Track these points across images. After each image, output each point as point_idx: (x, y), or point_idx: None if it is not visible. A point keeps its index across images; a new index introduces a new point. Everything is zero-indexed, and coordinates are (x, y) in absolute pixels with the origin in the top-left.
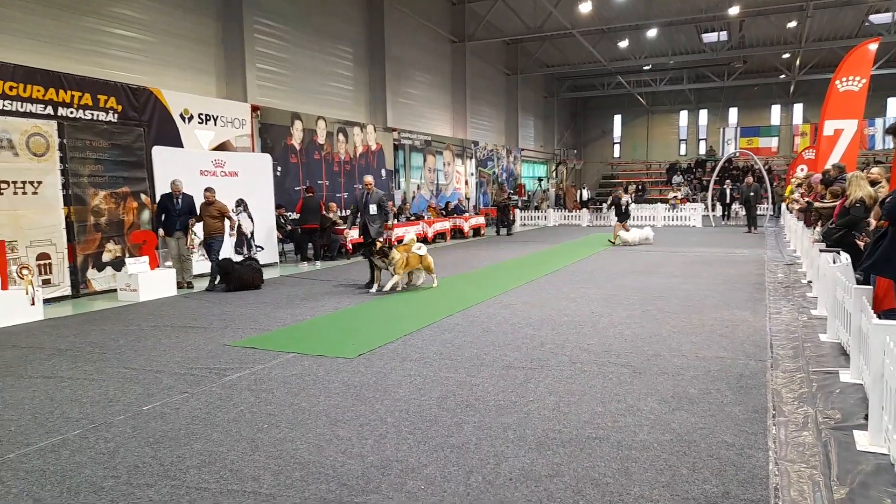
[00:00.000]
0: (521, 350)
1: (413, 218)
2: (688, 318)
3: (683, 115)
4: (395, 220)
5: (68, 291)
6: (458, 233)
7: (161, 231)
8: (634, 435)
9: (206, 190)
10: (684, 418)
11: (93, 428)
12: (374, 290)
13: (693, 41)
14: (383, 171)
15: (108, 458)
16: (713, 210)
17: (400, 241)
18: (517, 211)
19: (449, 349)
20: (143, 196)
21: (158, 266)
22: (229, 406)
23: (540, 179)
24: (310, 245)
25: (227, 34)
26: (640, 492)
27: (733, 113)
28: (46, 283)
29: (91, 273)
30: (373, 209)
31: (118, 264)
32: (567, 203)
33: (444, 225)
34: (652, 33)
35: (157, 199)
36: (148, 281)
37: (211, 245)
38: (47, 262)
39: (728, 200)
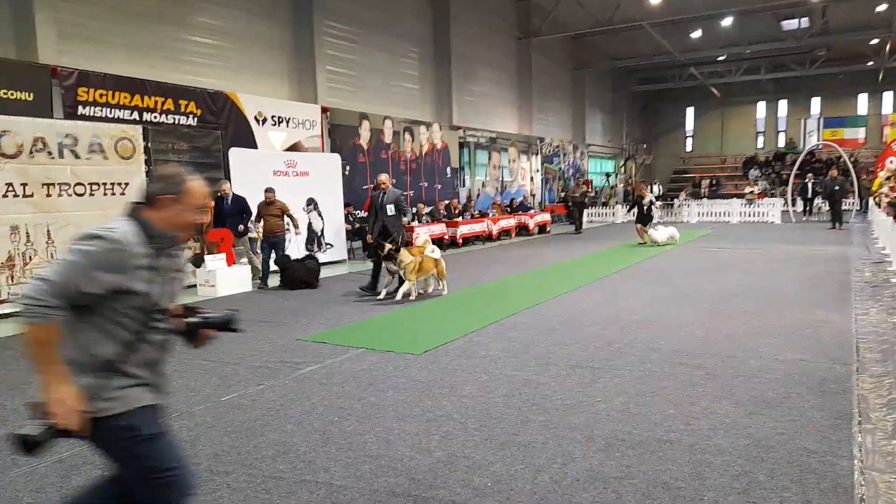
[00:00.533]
0: (587, 349)
1: (477, 215)
2: (765, 319)
3: (761, 106)
4: (462, 217)
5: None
6: (523, 230)
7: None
8: (708, 439)
9: (267, 190)
10: (762, 423)
11: (176, 416)
12: (381, 295)
13: (772, 29)
14: (448, 170)
15: (190, 446)
16: (793, 205)
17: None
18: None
19: (514, 347)
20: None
21: (235, 263)
22: (302, 399)
23: (608, 175)
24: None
25: (298, 38)
26: (714, 497)
27: (815, 103)
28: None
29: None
30: (390, 209)
31: (197, 261)
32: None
33: (509, 222)
34: (727, 22)
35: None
36: (225, 277)
37: (275, 244)
38: None
39: (810, 195)
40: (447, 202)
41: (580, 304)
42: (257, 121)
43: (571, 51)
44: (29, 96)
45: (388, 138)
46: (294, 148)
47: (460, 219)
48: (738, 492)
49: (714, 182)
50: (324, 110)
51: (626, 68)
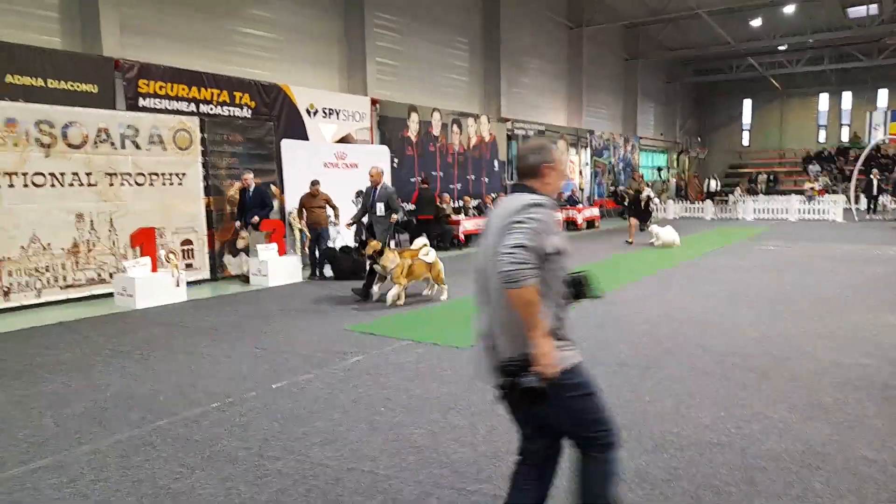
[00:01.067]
0: (636, 348)
1: None
2: (823, 321)
3: (823, 98)
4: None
5: (207, 275)
6: (570, 225)
7: (238, 223)
8: (761, 443)
9: (313, 183)
10: (818, 428)
11: (229, 402)
12: (374, 298)
13: (836, 16)
14: (496, 163)
15: (242, 431)
16: (857, 202)
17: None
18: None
19: None
20: (272, 187)
21: (286, 253)
22: (349, 388)
23: (659, 169)
24: (423, 234)
25: (350, 30)
26: None
27: (882, 95)
28: (189, 266)
29: (227, 258)
30: (380, 208)
31: (249, 250)
32: (689, 194)
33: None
34: (789, 10)
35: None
36: (276, 267)
37: (319, 235)
38: (190, 247)
39: (875, 192)
40: (494, 195)
41: (629, 302)
42: (308, 113)
43: (624, 41)
44: (94, 88)
45: (436, 131)
46: (344, 140)
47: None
48: (792, 498)
49: (772, 178)
50: (373, 102)
51: (680, 59)
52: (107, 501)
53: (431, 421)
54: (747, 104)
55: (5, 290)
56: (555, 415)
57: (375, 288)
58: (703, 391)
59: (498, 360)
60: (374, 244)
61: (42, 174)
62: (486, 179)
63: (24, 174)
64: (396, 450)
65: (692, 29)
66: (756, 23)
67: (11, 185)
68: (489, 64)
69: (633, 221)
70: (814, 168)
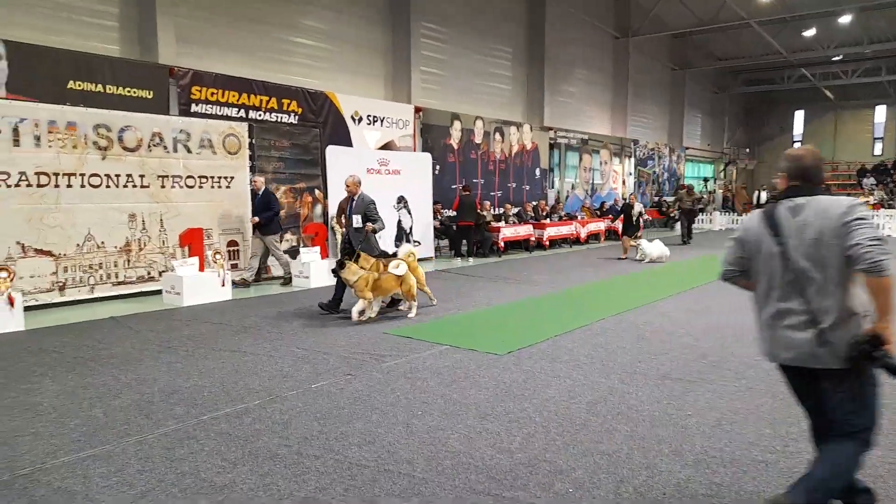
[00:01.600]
0: (679, 360)
1: (565, 218)
2: None
3: (880, 110)
4: (549, 219)
5: (252, 276)
6: (612, 234)
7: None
8: (809, 464)
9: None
10: (872, 451)
11: (270, 400)
12: (355, 316)
13: (895, 26)
14: (537, 171)
15: (283, 429)
16: None
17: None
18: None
19: (601, 353)
20: (316, 192)
21: (328, 257)
22: (387, 391)
23: (706, 180)
24: (464, 241)
25: (395, 39)
26: None
27: None
28: (234, 267)
29: (271, 260)
30: (356, 220)
31: (293, 253)
32: (736, 205)
33: (598, 226)
34: (845, 20)
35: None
36: (318, 270)
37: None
38: (235, 248)
39: None
40: (535, 203)
41: (672, 314)
42: (353, 120)
43: (671, 50)
44: (149, 94)
45: (478, 138)
46: (387, 147)
47: (548, 221)
48: None
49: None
50: (417, 110)
51: (730, 69)
52: (151, 492)
53: (468, 426)
54: (799, 115)
55: (61, 285)
56: (847, 397)
57: (370, 306)
58: (747, 407)
59: (825, 339)
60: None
61: (98, 175)
62: (528, 187)
63: (82, 175)
64: (433, 453)
65: (743, 39)
66: (810, 33)
67: (70, 186)
68: (533, 72)
69: (625, 239)
70: (868, 181)
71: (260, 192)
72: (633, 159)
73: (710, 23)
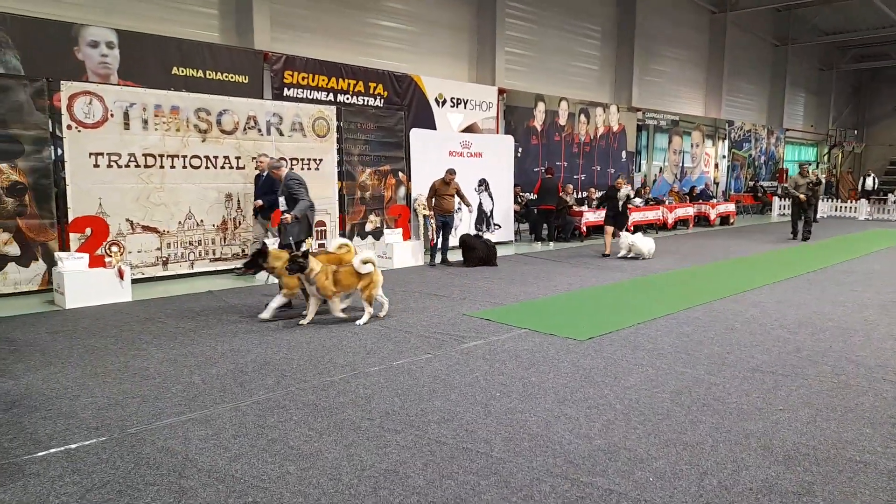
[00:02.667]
0: (770, 353)
1: (652, 202)
2: None
3: None
4: (595, 206)
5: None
6: (702, 220)
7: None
8: None
9: (450, 171)
10: None
11: (353, 375)
12: (306, 321)
13: None
14: (624, 153)
15: (365, 403)
16: None
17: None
18: (775, 199)
19: (686, 343)
20: (400, 174)
21: (410, 238)
22: (466, 371)
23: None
24: (545, 225)
25: (481, 20)
26: None
27: None
28: (321, 247)
29: (356, 240)
30: (282, 203)
31: (377, 234)
32: (840, 192)
33: (687, 211)
34: None
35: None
36: (400, 251)
37: (446, 223)
38: (323, 228)
39: None
40: None
41: (764, 304)
42: (437, 102)
43: (773, 25)
44: (245, 79)
45: (562, 120)
46: (470, 129)
47: (631, 205)
48: None
49: None
50: (500, 92)
51: (838, 44)
52: (244, 455)
53: (546, 410)
54: None
55: (164, 259)
56: None
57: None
58: (845, 405)
59: None
60: (295, 254)
61: (198, 157)
62: (613, 170)
63: (184, 157)
64: (511, 434)
65: (853, 10)
66: None
67: (173, 167)
68: (622, 51)
69: (609, 229)
70: None
71: (264, 174)
72: (727, 141)
73: None
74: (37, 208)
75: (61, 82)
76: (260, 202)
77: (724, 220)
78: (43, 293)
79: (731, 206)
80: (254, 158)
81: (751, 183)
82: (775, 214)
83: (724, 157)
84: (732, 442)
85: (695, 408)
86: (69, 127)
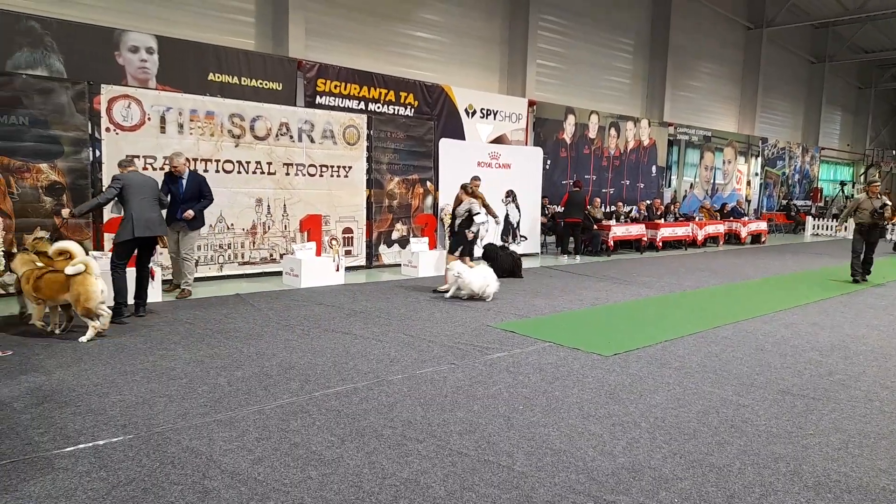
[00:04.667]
0: (801, 376)
1: (682, 218)
2: None
3: None
4: (664, 219)
5: (363, 262)
6: (733, 238)
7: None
8: None
9: (475, 178)
10: None
11: (377, 382)
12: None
13: None
14: (654, 168)
15: (388, 410)
16: None
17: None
18: (808, 218)
19: (714, 363)
20: (428, 183)
21: (436, 247)
22: (489, 382)
23: (843, 184)
24: (571, 238)
25: (513, 32)
26: None
27: None
28: (348, 253)
29: (382, 248)
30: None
31: (404, 242)
32: None
33: (718, 228)
34: None
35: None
36: (426, 260)
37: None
38: (350, 235)
39: None
40: (649, 202)
41: (796, 326)
42: (467, 113)
43: (811, 41)
44: (279, 86)
45: (592, 133)
46: (499, 140)
47: (662, 221)
48: None
49: None
50: (530, 104)
51: (877, 61)
52: (267, 458)
53: (570, 425)
54: None
55: (196, 260)
56: None
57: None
58: (878, 431)
59: None
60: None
61: (231, 161)
62: (642, 185)
63: (217, 161)
64: (533, 449)
65: (893, 28)
66: None
67: (206, 171)
68: (654, 65)
69: (450, 257)
70: None
71: (184, 177)
72: (760, 159)
73: (857, 11)
74: (74, 208)
75: (102, 86)
76: (192, 212)
77: (756, 238)
78: None
79: (763, 225)
80: (172, 161)
81: (784, 201)
82: (808, 234)
83: (756, 174)
84: (761, 465)
85: (722, 429)
86: (108, 129)
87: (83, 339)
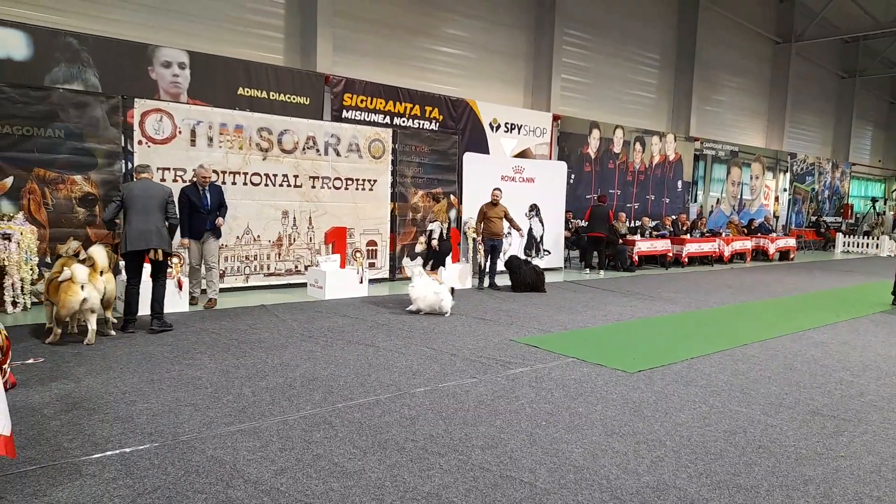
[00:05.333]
0: (832, 396)
1: (708, 234)
2: None
3: None
4: (690, 235)
5: (386, 275)
6: (760, 254)
7: (186, 240)
8: None
9: (495, 189)
10: None
11: (399, 395)
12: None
13: None
14: (679, 183)
15: (410, 423)
16: None
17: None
18: (839, 235)
19: (741, 381)
20: (452, 197)
21: (459, 260)
22: (511, 398)
23: (874, 200)
24: (595, 253)
25: (538, 47)
26: None
27: None
28: (372, 265)
29: (405, 261)
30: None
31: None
32: None
33: (745, 244)
34: None
35: (179, 194)
36: (449, 274)
37: (494, 246)
38: (374, 248)
39: None
40: (674, 217)
41: (826, 345)
42: (491, 127)
43: (840, 56)
44: (306, 101)
45: (616, 148)
46: (523, 154)
47: (688, 236)
48: None
49: None
50: (555, 118)
51: None
52: (290, 469)
53: (593, 442)
54: None
55: (221, 272)
56: None
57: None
58: None
59: None
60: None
61: (259, 174)
62: (667, 200)
63: (245, 174)
64: (556, 465)
65: None
66: None
67: (234, 183)
68: (680, 80)
69: (429, 273)
70: None
71: (207, 188)
72: (788, 174)
73: (889, 25)
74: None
75: (135, 100)
76: (222, 220)
77: (784, 255)
78: None
79: (792, 241)
80: (200, 172)
81: (813, 218)
82: (839, 251)
83: (784, 189)
84: (790, 487)
85: (749, 449)
86: (140, 142)
87: (47, 341)
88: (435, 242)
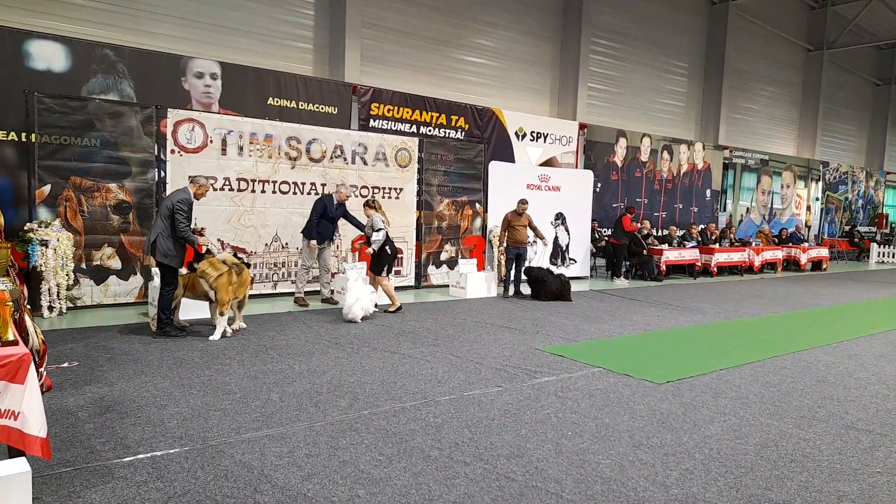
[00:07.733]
0: (867, 410)
1: (738, 243)
2: None
3: None
4: (719, 244)
5: (412, 282)
6: (792, 264)
7: (313, 242)
8: None
9: (522, 202)
10: None
11: (424, 402)
12: (216, 336)
13: None
14: (708, 192)
15: (435, 431)
16: None
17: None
18: (873, 245)
19: (773, 394)
20: (477, 205)
21: (484, 268)
22: (537, 407)
23: None
24: (625, 262)
25: (564, 56)
26: None
27: None
28: (397, 273)
29: (431, 269)
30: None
31: (452, 263)
32: None
33: (776, 254)
34: None
35: (314, 203)
36: (475, 281)
37: (519, 255)
38: (400, 256)
39: None
40: (703, 227)
41: (861, 357)
42: (517, 136)
43: (875, 63)
44: (334, 110)
45: (644, 156)
46: (548, 163)
47: (717, 246)
48: None
49: None
50: (581, 127)
51: None
52: (316, 475)
53: (620, 454)
54: None
55: (252, 278)
56: None
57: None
58: None
59: None
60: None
61: (287, 183)
62: (696, 209)
63: (274, 182)
64: (582, 476)
65: None
66: None
67: (264, 192)
68: (709, 88)
69: (372, 276)
70: None
71: (336, 204)
72: (820, 183)
73: None
74: (139, 226)
75: (168, 110)
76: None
77: (816, 265)
78: (139, 305)
79: (824, 251)
80: (341, 190)
81: (846, 227)
82: (873, 262)
83: (817, 199)
84: (823, 503)
85: (782, 463)
86: (172, 151)
87: (215, 336)
88: (375, 248)
